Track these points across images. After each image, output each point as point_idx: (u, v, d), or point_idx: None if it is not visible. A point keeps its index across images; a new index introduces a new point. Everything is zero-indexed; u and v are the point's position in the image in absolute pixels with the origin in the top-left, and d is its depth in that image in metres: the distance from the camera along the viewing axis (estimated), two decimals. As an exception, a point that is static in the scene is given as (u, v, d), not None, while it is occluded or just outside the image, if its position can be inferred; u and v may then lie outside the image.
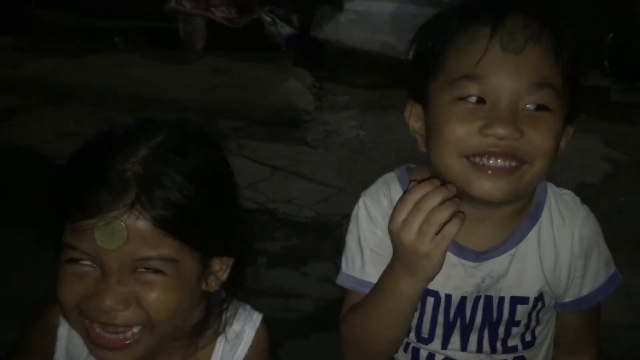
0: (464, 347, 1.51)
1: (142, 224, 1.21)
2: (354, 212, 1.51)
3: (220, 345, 1.41)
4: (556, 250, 1.47)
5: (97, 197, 1.21)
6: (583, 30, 1.42)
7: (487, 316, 1.49)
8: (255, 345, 1.43)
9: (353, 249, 1.50)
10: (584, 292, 1.51)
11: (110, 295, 1.22)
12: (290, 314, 3.04)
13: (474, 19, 1.34)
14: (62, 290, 1.25)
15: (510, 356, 1.53)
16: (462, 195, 1.32)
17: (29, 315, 1.49)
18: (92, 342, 1.26)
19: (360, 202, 1.51)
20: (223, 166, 1.37)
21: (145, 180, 1.22)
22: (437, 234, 1.27)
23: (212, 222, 1.29)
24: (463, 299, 1.48)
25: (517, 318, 1.49)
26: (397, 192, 1.47)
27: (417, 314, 1.49)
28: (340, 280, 1.53)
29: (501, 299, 1.48)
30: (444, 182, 1.31)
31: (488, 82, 1.32)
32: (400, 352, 1.56)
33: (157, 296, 1.24)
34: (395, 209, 1.30)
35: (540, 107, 1.33)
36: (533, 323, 1.52)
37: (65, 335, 1.40)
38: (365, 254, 1.48)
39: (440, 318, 1.50)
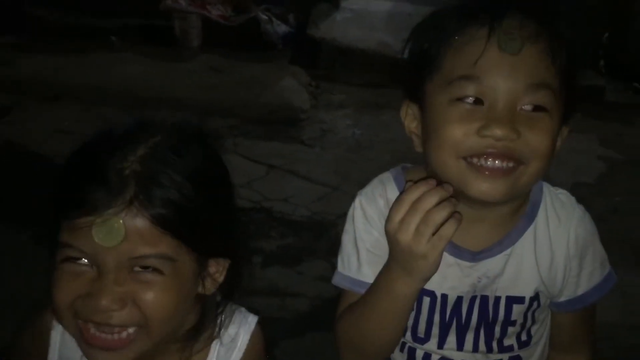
0: (460, 347, 1.52)
1: (140, 221, 1.21)
2: (350, 212, 1.51)
3: (215, 349, 1.40)
4: (552, 250, 1.48)
5: (95, 194, 1.20)
6: (579, 30, 1.43)
7: (483, 316, 1.49)
8: (250, 348, 1.43)
9: (349, 249, 1.50)
10: (580, 291, 1.52)
11: (107, 294, 1.21)
12: (285, 313, 3.04)
13: (471, 19, 1.34)
14: (56, 290, 1.24)
15: (506, 355, 1.53)
16: (459, 196, 1.32)
17: (28, 316, 1.48)
18: (86, 343, 1.25)
19: (356, 202, 1.50)
20: (220, 167, 1.37)
21: (144, 178, 1.22)
22: (434, 234, 1.27)
23: (210, 222, 1.29)
24: (459, 299, 1.48)
25: (513, 318, 1.49)
26: (393, 192, 1.47)
27: (413, 314, 1.49)
28: (336, 280, 1.52)
29: (497, 299, 1.48)
30: (440, 182, 1.31)
31: (485, 82, 1.32)
32: (397, 352, 1.56)
33: (154, 296, 1.23)
34: (392, 209, 1.30)
35: (537, 108, 1.33)
36: (529, 322, 1.52)
37: (59, 339, 1.40)
38: (361, 254, 1.48)
39: (436, 318, 1.50)
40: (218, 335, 1.39)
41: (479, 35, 1.33)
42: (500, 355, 1.53)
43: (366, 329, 1.43)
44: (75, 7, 5.75)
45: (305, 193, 3.96)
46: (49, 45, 5.47)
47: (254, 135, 4.59)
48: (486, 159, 1.33)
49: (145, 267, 1.23)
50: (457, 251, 1.45)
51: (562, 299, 1.52)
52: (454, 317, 1.49)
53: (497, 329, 1.50)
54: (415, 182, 1.30)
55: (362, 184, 1.55)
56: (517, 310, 1.49)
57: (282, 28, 5.71)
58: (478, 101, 1.33)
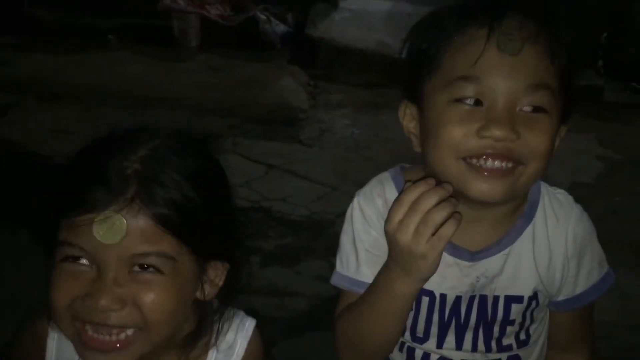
0: (459, 347, 1.52)
1: (141, 219, 1.21)
2: (348, 212, 1.51)
3: (212, 356, 1.39)
4: (550, 250, 1.48)
5: (95, 193, 1.21)
6: (578, 30, 1.43)
7: (482, 315, 1.49)
8: (249, 354, 1.42)
9: (347, 249, 1.50)
10: (578, 291, 1.52)
11: (106, 294, 1.20)
12: (284, 313, 3.04)
13: (471, 19, 1.34)
14: (55, 291, 1.23)
15: (504, 355, 1.53)
16: (458, 196, 1.32)
17: (26, 319, 1.48)
18: (84, 345, 1.24)
19: (355, 202, 1.50)
20: (219, 170, 1.38)
21: (145, 177, 1.23)
22: (433, 234, 1.27)
23: (210, 224, 1.29)
24: (458, 299, 1.48)
25: (511, 317, 1.50)
26: (391, 192, 1.47)
27: (412, 314, 1.49)
28: (334, 280, 1.52)
29: (496, 298, 1.48)
30: (439, 182, 1.31)
31: (485, 83, 1.32)
32: (396, 352, 1.56)
33: (154, 296, 1.22)
34: (391, 209, 1.30)
35: (536, 109, 1.34)
36: (527, 322, 1.52)
37: (55, 346, 1.39)
38: (359, 254, 1.48)
39: (435, 317, 1.50)
40: (215, 343, 1.39)
41: (478, 35, 1.33)
42: (499, 355, 1.53)
43: (365, 328, 1.43)
44: (74, 7, 5.75)
45: (304, 193, 3.96)
46: (48, 45, 5.47)
47: (252, 135, 4.59)
48: (485, 160, 1.33)
49: (145, 268, 1.23)
50: (456, 251, 1.45)
51: (561, 298, 1.52)
52: (453, 317, 1.50)
53: (496, 328, 1.50)
54: (414, 182, 1.30)
55: (360, 183, 1.55)
56: (516, 309, 1.49)
57: (281, 28, 5.71)
58: (477, 102, 1.33)
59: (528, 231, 1.47)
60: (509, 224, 1.47)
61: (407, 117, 1.46)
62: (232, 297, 1.40)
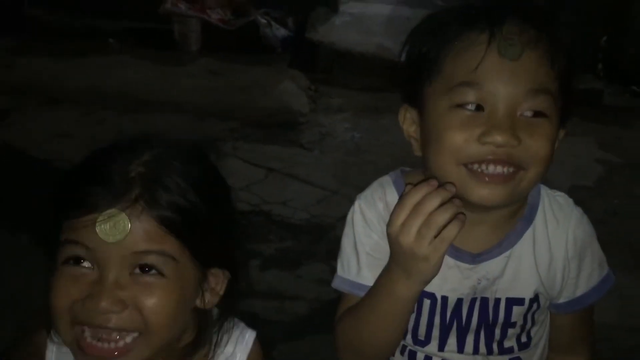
0: (460, 349, 1.52)
1: (144, 219, 1.22)
2: (349, 215, 1.51)
3: None
4: (551, 252, 1.48)
5: (99, 194, 1.22)
6: (577, 34, 1.43)
7: (483, 318, 1.49)
8: None
9: (348, 252, 1.51)
10: (578, 293, 1.52)
11: (107, 296, 1.20)
12: (284, 316, 3.04)
13: (471, 24, 1.35)
14: (55, 293, 1.23)
15: (506, 357, 1.53)
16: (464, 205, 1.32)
17: (28, 316, 1.48)
18: (82, 352, 1.23)
19: (356, 206, 1.51)
20: (220, 179, 1.38)
21: (149, 180, 1.24)
22: (436, 236, 1.27)
23: (212, 231, 1.30)
24: (459, 301, 1.48)
25: (512, 319, 1.50)
26: (392, 196, 1.48)
27: (413, 316, 1.50)
28: (335, 283, 1.53)
29: (497, 301, 1.49)
30: (441, 183, 1.31)
31: (486, 88, 1.32)
32: (397, 355, 1.57)
33: (155, 300, 1.23)
34: (394, 211, 1.30)
35: (537, 114, 1.34)
36: (529, 324, 1.52)
37: (54, 358, 1.39)
38: (361, 257, 1.49)
39: (437, 320, 1.50)
40: (213, 355, 1.38)
41: (479, 40, 1.33)
42: (500, 357, 1.53)
43: (365, 331, 1.43)
44: (75, 9, 5.75)
45: (304, 196, 3.96)
46: (48, 48, 5.47)
47: (253, 139, 4.59)
48: (487, 165, 1.33)
49: (146, 270, 1.23)
50: (457, 253, 1.46)
51: (561, 300, 1.52)
52: (455, 319, 1.50)
53: (497, 330, 1.51)
54: (415, 184, 1.30)
55: (361, 187, 1.55)
56: (517, 311, 1.49)
57: (281, 32, 5.71)
58: (478, 107, 1.33)
59: (528, 233, 1.48)
60: (510, 227, 1.47)
61: (407, 121, 1.46)
62: (233, 307, 1.40)
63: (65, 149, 4.18)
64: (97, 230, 1.20)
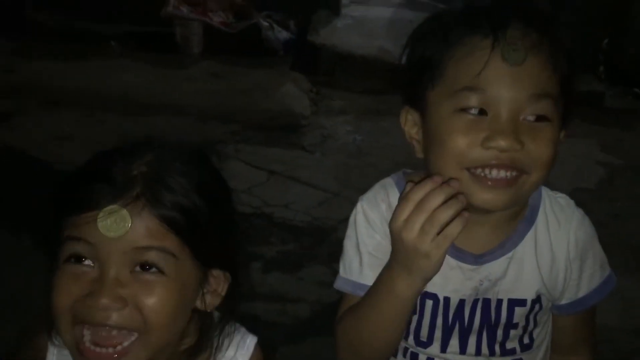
0: (462, 350, 1.52)
1: (146, 216, 1.22)
2: (352, 217, 1.51)
3: None
4: (552, 253, 1.49)
5: (101, 191, 1.22)
6: (578, 36, 1.43)
7: (486, 319, 1.49)
8: None
9: (351, 253, 1.51)
10: (580, 294, 1.52)
11: (108, 293, 1.20)
12: (286, 318, 3.04)
13: (474, 28, 1.35)
14: (56, 292, 1.24)
15: (508, 359, 1.53)
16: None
17: (28, 317, 1.48)
18: (82, 355, 1.24)
19: (358, 207, 1.51)
20: (222, 182, 1.38)
21: (151, 179, 1.24)
22: (439, 233, 1.27)
23: (213, 232, 1.30)
24: (461, 302, 1.49)
25: (515, 320, 1.50)
26: (395, 197, 1.48)
27: (415, 318, 1.50)
28: (338, 284, 1.53)
29: (499, 302, 1.49)
30: (445, 179, 1.31)
31: (489, 93, 1.32)
32: (399, 357, 1.57)
33: (155, 298, 1.23)
34: (397, 208, 1.30)
35: (539, 118, 1.34)
36: (531, 325, 1.52)
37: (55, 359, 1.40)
38: (363, 258, 1.49)
39: (439, 321, 1.50)
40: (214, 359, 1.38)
41: (482, 45, 1.33)
42: (502, 359, 1.53)
43: (365, 330, 1.43)
44: (76, 12, 5.76)
45: (306, 199, 3.96)
46: (50, 50, 5.48)
47: (254, 141, 4.60)
48: (490, 170, 1.34)
49: (147, 268, 1.24)
50: (460, 254, 1.46)
51: (564, 301, 1.53)
52: (457, 321, 1.50)
53: (500, 331, 1.51)
54: (416, 182, 1.30)
55: (362, 189, 1.55)
56: (519, 312, 1.49)
57: (283, 34, 5.72)
58: (481, 111, 1.34)
59: (530, 235, 1.48)
60: (511, 228, 1.48)
61: (409, 123, 1.46)
62: (234, 309, 1.40)
63: (66, 151, 4.19)
64: (99, 226, 1.21)
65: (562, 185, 1.57)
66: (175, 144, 1.37)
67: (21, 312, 2.71)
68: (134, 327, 1.23)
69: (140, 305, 1.22)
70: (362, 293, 1.47)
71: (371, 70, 5.47)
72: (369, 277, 1.46)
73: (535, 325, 1.53)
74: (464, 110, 1.34)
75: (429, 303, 1.49)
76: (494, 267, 1.47)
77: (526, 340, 1.54)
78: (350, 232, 1.52)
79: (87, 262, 1.24)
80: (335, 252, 1.57)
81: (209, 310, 1.35)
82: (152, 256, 1.23)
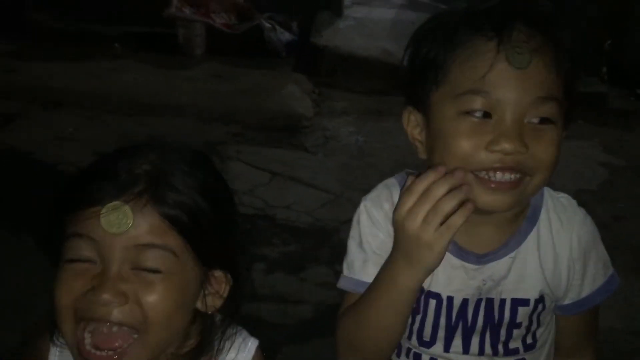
0: (465, 350, 1.52)
1: (148, 212, 1.23)
2: (355, 217, 1.52)
3: None
4: (555, 253, 1.49)
5: (104, 188, 1.23)
6: (581, 38, 1.43)
7: (489, 318, 1.50)
8: None
9: (354, 252, 1.51)
10: (583, 294, 1.53)
11: (109, 288, 1.21)
12: (288, 320, 3.05)
13: (478, 30, 1.34)
14: (59, 288, 1.24)
15: (511, 359, 1.53)
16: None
17: (28, 317, 1.49)
18: (82, 357, 1.24)
19: (362, 207, 1.51)
20: (224, 184, 1.39)
21: (154, 177, 1.25)
22: (442, 224, 1.27)
23: (215, 231, 1.31)
24: (465, 302, 1.49)
25: (518, 320, 1.50)
26: (398, 197, 1.48)
27: (419, 317, 1.50)
28: (341, 283, 1.53)
29: (502, 301, 1.49)
30: (449, 170, 1.31)
31: (494, 96, 1.32)
32: (402, 358, 1.57)
33: (155, 295, 1.23)
34: (401, 198, 1.31)
35: (543, 120, 1.34)
36: (534, 325, 1.52)
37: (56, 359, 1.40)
38: (366, 256, 1.49)
39: (442, 321, 1.50)
40: None
41: (486, 48, 1.33)
42: (506, 359, 1.53)
43: (367, 325, 1.43)
44: (77, 13, 5.76)
45: (308, 200, 3.97)
46: (51, 52, 5.49)
47: (257, 142, 4.60)
48: (494, 172, 1.34)
49: (148, 270, 1.24)
50: (463, 253, 1.46)
51: (567, 301, 1.53)
52: (460, 320, 1.50)
53: (503, 331, 1.51)
54: (417, 176, 1.31)
55: (364, 190, 1.55)
56: (523, 312, 1.50)
57: (286, 36, 5.73)
58: (485, 114, 1.34)
59: (533, 234, 1.48)
60: (513, 227, 1.48)
61: (412, 124, 1.46)
62: (236, 311, 1.40)
63: (68, 152, 4.20)
64: (102, 222, 1.21)
65: (564, 187, 1.57)
66: (178, 145, 1.37)
67: (21, 312, 2.72)
68: (134, 324, 1.23)
69: (140, 302, 1.23)
70: (363, 290, 1.47)
71: (373, 71, 5.48)
72: (371, 275, 1.46)
73: (539, 325, 1.53)
74: (468, 113, 1.34)
75: (432, 302, 1.49)
76: (497, 267, 1.47)
77: (529, 340, 1.54)
78: (353, 232, 1.52)
79: (90, 258, 1.24)
80: (337, 254, 1.57)
81: (210, 312, 1.35)
82: (153, 254, 1.24)
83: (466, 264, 1.47)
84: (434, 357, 1.54)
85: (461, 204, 1.28)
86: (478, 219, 1.42)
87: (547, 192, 1.52)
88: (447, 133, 1.36)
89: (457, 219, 1.27)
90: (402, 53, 1.47)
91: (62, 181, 1.32)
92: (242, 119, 4.85)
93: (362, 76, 5.51)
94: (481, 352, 1.52)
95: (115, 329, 1.23)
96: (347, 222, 1.54)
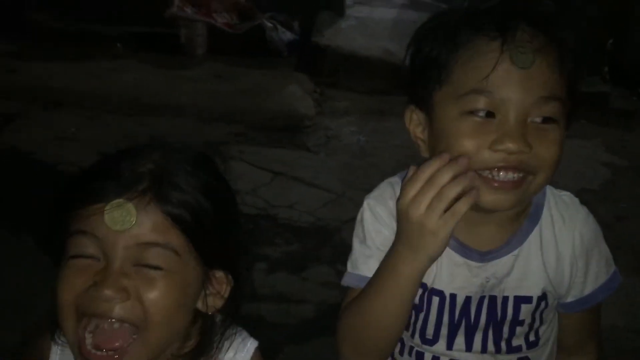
0: (468, 348, 1.52)
1: (151, 210, 1.23)
2: (359, 215, 1.52)
3: None
4: (558, 251, 1.49)
5: (107, 186, 1.24)
6: (583, 37, 1.43)
7: (492, 316, 1.50)
8: None
9: (358, 249, 1.51)
10: (586, 291, 1.53)
11: (111, 283, 1.21)
12: (290, 319, 3.05)
13: (481, 30, 1.35)
14: (61, 285, 1.25)
15: (514, 356, 1.54)
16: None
17: (28, 317, 1.49)
18: (83, 357, 1.24)
19: (365, 205, 1.51)
20: (227, 185, 1.39)
21: (158, 175, 1.26)
22: (446, 211, 1.27)
23: (217, 230, 1.31)
24: (468, 299, 1.49)
25: (521, 317, 1.50)
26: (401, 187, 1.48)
27: (422, 315, 1.50)
28: (345, 280, 1.52)
29: (505, 299, 1.49)
30: (453, 157, 1.31)
31: (497, 96, 1.33)
32: (405, 356, 1.57)
33: (156, 293, 1.23)
34: (405, 186, 1.30)
35: (546, 119, 1.35)
36: (537, 323, 1.53)
37: (57, 359, 1.40)
38: (370, 252, 1.49)
39: (446, 318, 1.50)
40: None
41: (489, 48, 1.33)
42: (508, 357, 1.53)
43: (368, 317, 1.42)
44: (78, 13, 5.76)
45: (310, 199, 3.97)
46: (51, 52, 5.49)
47: (258, 142, 4.61)
48: (498, 172, 1.34)
49: (150, 266, 1.24)
50: (466, 251, 1.46)
51: (570, 299, 1.53)
52: (463, 318, 1.50)
53: (506, 328, 1.51)
54: (418, 166, 1.30)
55: (366, 190, 1.55)
56: (525, 309, 1.50)
57: (287, 35, 5.73)
58: (489, 114, 1.34)
59: (535, 232, 1.49)
60: (516, 225, 1.48)
61: (414, 122, 1.46)
62: (236, 312, 1.40)
63: (69, 152, 4.20)
64: (105, 218, 1.22)
65: (567, 186, 1.57)
66: (181, 145, 1.38)
67: (21, 312, 2.72)
68: (135, 321, 1.24)
69: (142, 299, 1.23)
70: None
71: (375, 70, 5.48)
72: (374, 271, 1.46)
73: (541, 322, 1.53)
74: (472, 112, 1.34)
75: (435, 300, 1.49)
76: (500, 265, 1.47)
77: (532, 337, 1.54)
78: (357, 230, 1.52)
79: (93, 255, 1.24)
80: (339, 253, 1.58)
81: (210, 313, 1.35)
82: (156, 252, 1.24)
83: (469, 262, 1.47)
84: (437, 355, 1.54)
85: (466, 192, 1.28)
86: (480, 217, 1.42)
87: (549, 190, 1.52)
88: (450, 133, 1.36)
89: (462, 206, 1.27)
90: (403, 53, 1.47)
91: (63, 181, 1.32)
92: (244, 118, 4.85)
93: (364, 76, 5.51)
94: (484, 349, 1.52)
95: (116, 325, 1.24)
96: (349, 222, 1.54)
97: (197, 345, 1.36)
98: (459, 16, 1.40)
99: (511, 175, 1.34)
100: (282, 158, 4.41)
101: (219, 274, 1.34)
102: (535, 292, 1.49)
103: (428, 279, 1.46)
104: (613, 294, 1.55)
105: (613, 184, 4.40)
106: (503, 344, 1.52)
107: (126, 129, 4.58)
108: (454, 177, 1.27)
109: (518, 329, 1.51)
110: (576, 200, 1.54)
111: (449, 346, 1.52)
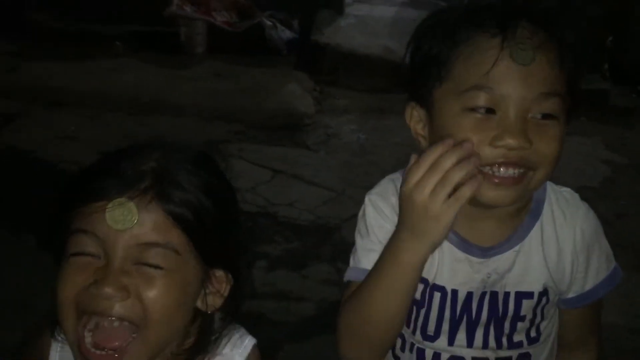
0: (469, 344, 1.52)
1: (153, 210, 1.24)
2: (361, 211, 1.52)
3: None
4: (559, 246, 1.50)
5: (109, 185, 1.24)
6: (583, 35, 1.43)
7: (493, 311, 1.50)
8: None
9: (360, 244, 1.51)
10: (587, 287, 1.53)
11: (112, 281, 1.21)
12: (290, 317, 3.05)
13: (482, 27, 1.35)
14: (61, 282, 1.25)
15: (515, 352, 1.54)
16: (469, 201, 1.32)
17: (28, 316, 1.49)
18: (82, 356, 1.25)
19: (367, 201, 1.51)
20: (227, 182, 1.39)
21: (160, 174, 1.26)
22: (450, 196, 1.27)
23: (218, 230, 1.31)
24: (469, 295, 1.49)
25: (522, 313, 1.51)
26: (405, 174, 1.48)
27: (423, 311, 1.51)
28: (347, 275, 1.52)
29: (506, 294, 1.49)
30: (457, 142, 1.31)
31: (498, 92, 1.33)
32: (406, 353, 1.57)
33: (156, 291, 1.24)
34: (409, 171, 1.30)
35: (546, 116, 1.35)
36: (538, 319, 1.53)
37: (57, 357, 1.40)
38: (372, 246, 1.48)
39: (447, 314, 1.51)
40: (211, 357, 1.38)
41: (489, 45, 1.34)
42: (509, 352, 1.53)
43: (369, 308, 1.41)
44: (78, 13, 5.76)
45: (310, 197, 3.97)
46: (52, 52, 5.49)
47: (258, 140, 4.61)
48: (498, 168, 1.35)
49: (150, 265, 1.24)
50: (467, 246, 1.47)
51: (571, 294, 1.53)
52: (464, 313, 1.50)
53: (507, 324, 1.51)
54: (420, 155, 1.30)
55: (366, 188, 1.55)
56: (527, 305, 1.50)
57: (287, 34, 5.73)
58: (489, 110, 1.34)
59: (536, 228, 1.49)
60: (517, 221, 1.48)
61: (414, 119, 1.47)
62: (235, 310, 1.40)
63: (70, 152, 4.21)
64: (106, 217, 1.22)
65: (566, 184, 1.57)
66: (182, 144, 1.38)
67: (21, 312, 2.72)
68: (135, 319, 1.24)
69: (142, 297, 1.23)
70: None
71: (375, 69, 5.48)
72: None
73: (543, 318, 1.54)
74: (473, 109, 1.35)
75: (437, 296, 1.50)
76: (501, 260, 1.48)
77: (533, 333, 1.54)
78: (359, 225, 1.52)
79: (93, 253, 1.25)
80: (339, 251, 1.58)
81: (210, 311, 1.35)
82: (156, 252, 1.24)
83: (471, 257, 1.47)
84: (438, 351, 1.54)
85: (470, 177, 1.28)
86: (481, 213, 1.43)
87: (550, 186, 1.53)
88: (451, 129, 1.36)
89: (466, 191, 1.27)
90: (403, 51, 1.48)
91: (63, 181, 1.32)
92: (244, 117, 4.85)
93: (364, 74, 5.51)
94: (485, 345, 1.52)
95: (116, 323, 1.24)
96: (349, 220, 1.54)
97: (195, 343, 1.36)
98: (459, 13, 1.41)
99: (512, 171, 1.35)
100: (282, 156, 4.42)
101: (219, 272, 1.34)
102: (536, 288, 1.49)
103: (430, 275, 1.47)
104: (613, 290, 1.56)
105: (613, 181, 4.40)
106: (504, 340, 1.52)
107: (126, 128, 4.58)
108: (458, 162, 1.27)
109: (519, 325, 1.52)
110: (576, 196, 1.55)
111: (450, 342, 1.52)
